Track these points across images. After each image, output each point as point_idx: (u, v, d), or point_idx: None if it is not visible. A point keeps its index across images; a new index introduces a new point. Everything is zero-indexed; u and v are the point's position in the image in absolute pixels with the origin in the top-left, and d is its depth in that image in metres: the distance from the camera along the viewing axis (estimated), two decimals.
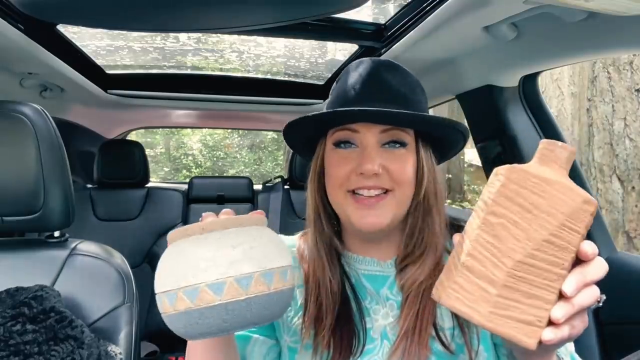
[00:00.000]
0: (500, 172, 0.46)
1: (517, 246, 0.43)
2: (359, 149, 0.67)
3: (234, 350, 0.66)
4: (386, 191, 0.65)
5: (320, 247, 0.72)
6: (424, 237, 0.68)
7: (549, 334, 0.41)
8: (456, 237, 0.48)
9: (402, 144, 0.67)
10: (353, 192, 0.66)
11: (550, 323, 0.42)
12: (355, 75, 0.69)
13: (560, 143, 0.45)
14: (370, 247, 0.73)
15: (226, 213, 0.55)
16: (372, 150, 0.65)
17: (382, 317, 0.70)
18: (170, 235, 0.52)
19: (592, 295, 0.43)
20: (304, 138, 0.75)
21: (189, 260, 0.48)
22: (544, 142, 0.46)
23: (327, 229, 0.72)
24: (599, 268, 0.44)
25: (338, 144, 0.68)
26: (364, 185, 0.65)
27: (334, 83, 0.74)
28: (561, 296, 0.42)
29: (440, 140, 0.71)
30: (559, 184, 0.44)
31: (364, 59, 0.72)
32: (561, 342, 0.43)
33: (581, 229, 0.43)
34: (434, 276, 0.65)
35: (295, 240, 0.80)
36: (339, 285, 0.70)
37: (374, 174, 0.64)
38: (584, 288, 0.42)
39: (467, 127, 0.70)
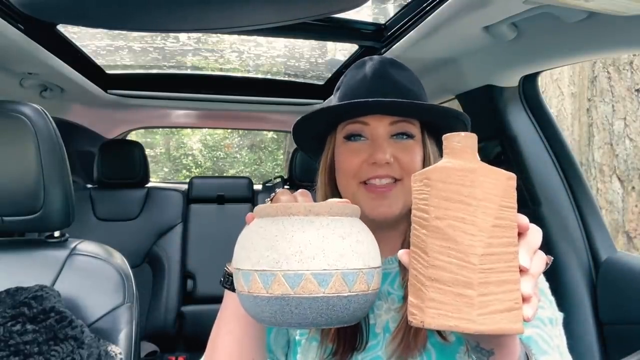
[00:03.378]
0: (422, 177, 0.46)
1: (474, 241, 0.42)
2: (369, 141, 0.69)
3: (265, 336, 0.67)
4: (395, 180, 0.68)
5: None
6: None
7: (529, 311, 0.42)
8: (403, 255, 0.47)
9: (410, 136, 0.70)
10: (365, 183, 0.68)
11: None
12: (362, 72, 0.72)
13: (463, 133, 0.46)
14: (380, 241, 0.73)
15: (303, 194, 0.55)
16: (383, 141, 0.68)
17: (384, 312, 0.71)
18: (261, 208, 0.49)
19: (542, 260, 0.45)
20: (313, 134, 0.77)
21: (294, 242, 0.45)
22: (449, 137, 0.47)
23: None
24: (537, 233, 0.45)
25: (349, 137, 0.70)
26: (375, 175, 0.67)
27: (339, 81, 0.76)
28: (520, 271, 0.43)
29: (444, 130, 0.73)
30: (481, 169, 0.44)
31: (368, 57, 0.75)
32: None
33: (514, 204, 0.44)
34: None
35: None
36: None
37: (386, 162, 0.66)
38: (534, 257, 0.44)
39: (469, 117, 0.72)
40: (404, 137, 0.69)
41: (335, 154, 0.73)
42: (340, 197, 0.73)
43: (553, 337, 0.65)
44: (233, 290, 0.61)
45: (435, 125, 0.72)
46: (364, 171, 0.68)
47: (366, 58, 0.75)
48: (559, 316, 0.69)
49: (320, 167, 0.76)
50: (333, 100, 0.76)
